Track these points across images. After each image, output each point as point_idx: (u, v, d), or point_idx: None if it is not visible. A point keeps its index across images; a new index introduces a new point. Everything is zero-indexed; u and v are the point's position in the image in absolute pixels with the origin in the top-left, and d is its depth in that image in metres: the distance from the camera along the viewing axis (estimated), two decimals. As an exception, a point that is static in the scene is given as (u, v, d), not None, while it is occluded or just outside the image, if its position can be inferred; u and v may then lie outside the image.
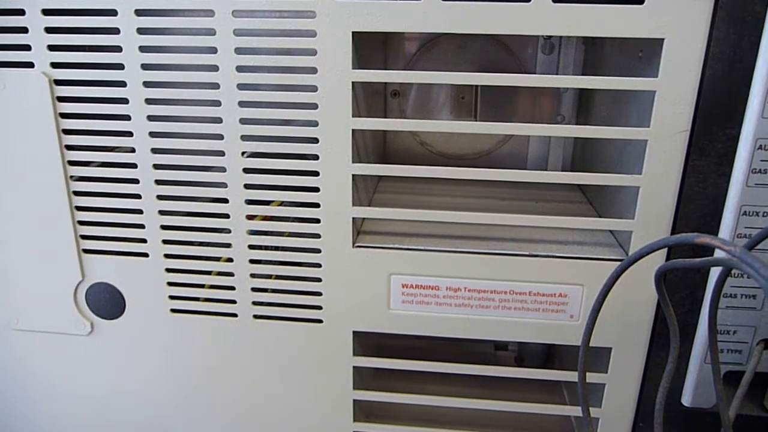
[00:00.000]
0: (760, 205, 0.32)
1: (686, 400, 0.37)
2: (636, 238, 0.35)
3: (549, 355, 0.51)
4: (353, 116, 0.34)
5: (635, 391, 0.38)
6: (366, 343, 0.42)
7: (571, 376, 0.38)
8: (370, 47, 0.40)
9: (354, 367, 0.40)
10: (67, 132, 0.37)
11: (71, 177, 0.38)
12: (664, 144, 0.32)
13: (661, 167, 0.33)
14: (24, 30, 0.35)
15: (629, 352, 0.37)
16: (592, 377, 0.38)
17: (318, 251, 0.37)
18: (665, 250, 0.34)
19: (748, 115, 0.31)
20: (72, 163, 0.37)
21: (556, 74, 0.48)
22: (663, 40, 0.31)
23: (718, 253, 0.31)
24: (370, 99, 0.42)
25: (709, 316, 0.30)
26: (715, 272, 0.34)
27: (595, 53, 0.45)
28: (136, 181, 0.37)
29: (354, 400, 0.41)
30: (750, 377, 0.33)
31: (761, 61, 0.30)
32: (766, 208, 0.32)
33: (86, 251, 0.39)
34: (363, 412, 0.43)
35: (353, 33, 0.32)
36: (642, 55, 0.34)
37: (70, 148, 0.37)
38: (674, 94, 0.32)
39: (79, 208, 0.38)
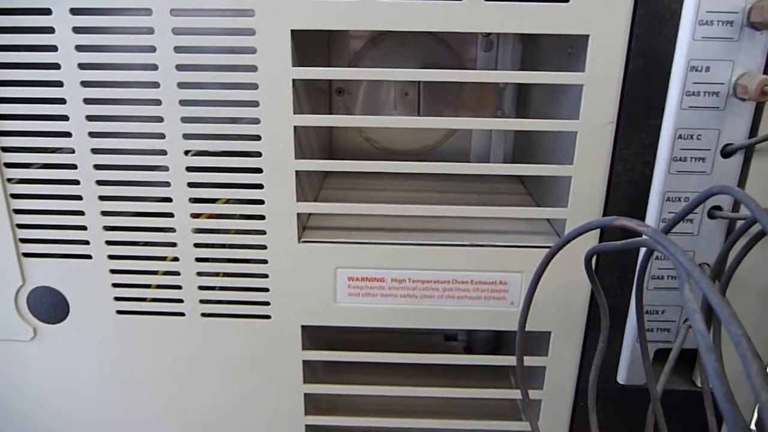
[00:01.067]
0: (682, 191, 0.34)
1: (621, 378, 0.39)
2: (569, 225, 0.36)
3: (497, 343, 0.52)
4: (295, 113, 0.34)
5: (574, 372, 0.40)
6: (320, 339, 0.43)
7: (514, 360, 0.40)
8: (313, 45, 0.41)
9: (304, 361, 0.41)
10: (2, 134, 0.36)
11: (9, 180, 0.37)
12: (592, 135, 0.34)
13: (590, 157, 0.35)
14: (-46, 30, 0.34)
15: (567, 335, 0.39)
16: (533, 360, 0.40)
17: (264, 247, 0.38)
18: (597, 235, 0.36)
19: (668, 106, 0.33)
20: (8, 165, 0.37)
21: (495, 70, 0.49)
22: (588, 36, 0.32)
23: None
24: (314, 96, 0.42)
25: (636, 296, 0.32)
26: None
27: (531, 50, 0.47)
28: (76, 182, 0.37)
29: (305, 394, 0.42)
30: (676, 354, 0.35)
31: (678, 55, 0.32)
32: (686, 193, 0.34)
33: (26, 255, 0.39)
34: (314, 405, 0.43)
35: (292, 31, 0.33)
36: (571, 51, 0.36)
37: (5, 150, 0.36)
38: (600, 87, 0.33)
39: (18, 211, 0.38)
